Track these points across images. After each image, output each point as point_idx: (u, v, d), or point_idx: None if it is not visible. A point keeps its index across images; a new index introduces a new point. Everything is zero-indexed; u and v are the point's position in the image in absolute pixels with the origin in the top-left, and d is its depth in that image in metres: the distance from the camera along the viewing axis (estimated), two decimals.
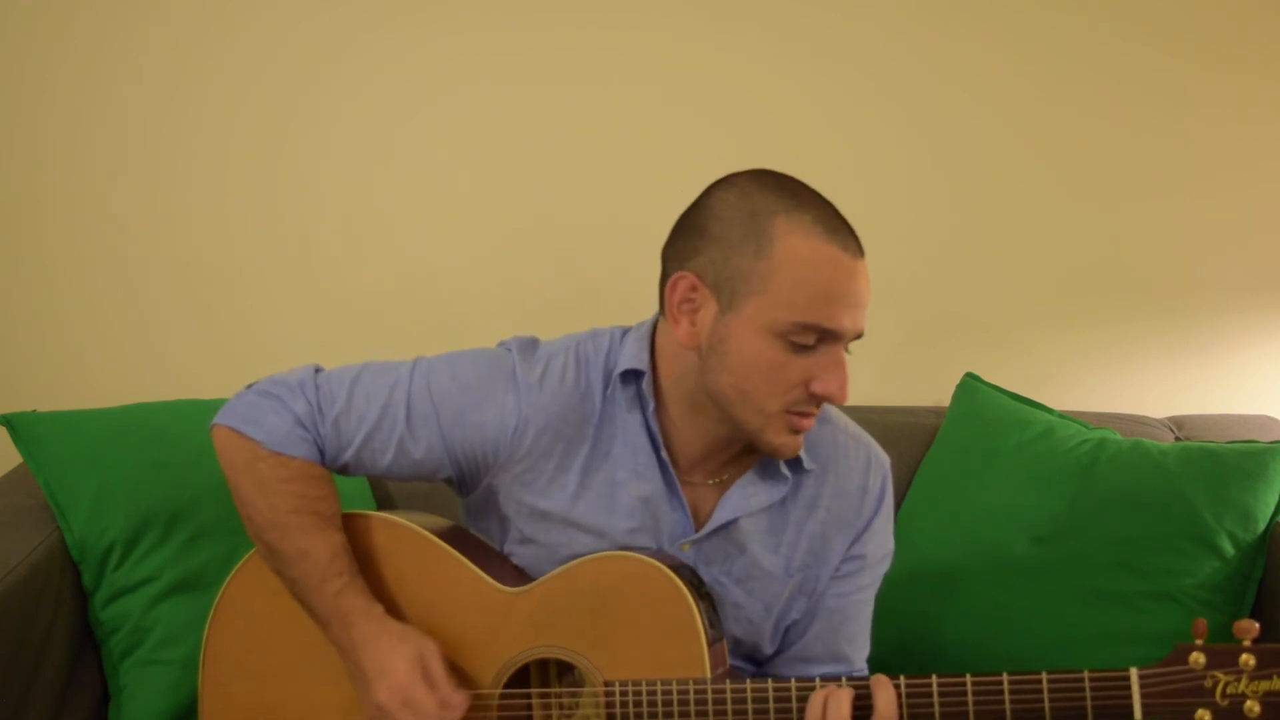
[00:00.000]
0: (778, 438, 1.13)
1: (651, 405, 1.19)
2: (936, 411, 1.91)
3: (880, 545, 1.30)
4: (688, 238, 1.14)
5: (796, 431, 1.14)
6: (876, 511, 1.28)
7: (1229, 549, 1.53)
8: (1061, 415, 1.77)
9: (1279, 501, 1.55)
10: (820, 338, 1.09)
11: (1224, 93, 1.96)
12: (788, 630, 1.29)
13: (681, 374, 1.18)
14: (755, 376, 1.11)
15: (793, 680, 1.10)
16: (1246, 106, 1.97)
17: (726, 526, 1.22)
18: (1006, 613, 1.63)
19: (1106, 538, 1.59)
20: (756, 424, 1.13)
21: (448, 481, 1.26)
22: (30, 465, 1.57)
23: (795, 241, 1.08)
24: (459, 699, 1.14)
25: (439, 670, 1.15)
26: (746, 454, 1.23)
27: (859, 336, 1.12)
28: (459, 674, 1.18)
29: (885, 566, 1.32)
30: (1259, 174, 1.98)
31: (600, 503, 1.20)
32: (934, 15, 1.95)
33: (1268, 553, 1.54)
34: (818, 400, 1.12)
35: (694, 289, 1.12)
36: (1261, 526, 1.54)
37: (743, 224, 1.10)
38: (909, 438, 1.84)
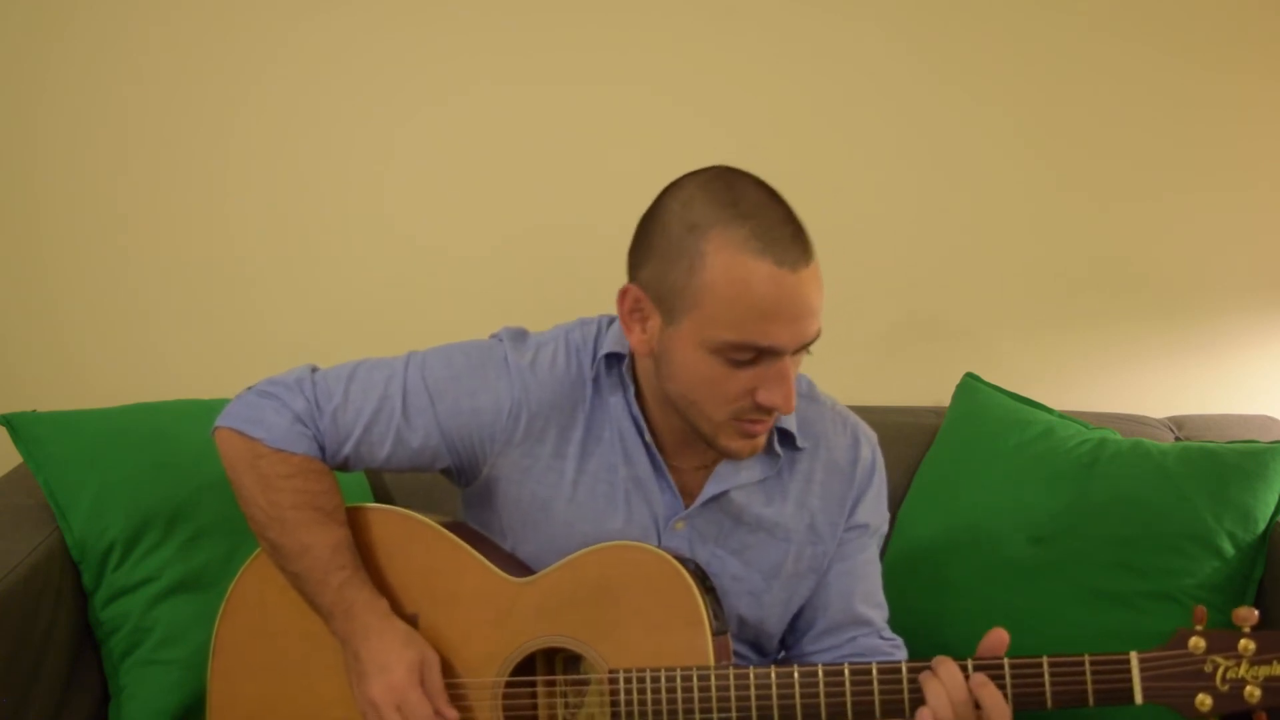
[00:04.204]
0: (731, 442, 1.14)
1: (632, 389, 1.21)
2: (936, 411, 1.91)
3: (879, 513, 1.32)
4: (639, 246, 1.14)
5: (750, 436, 1.14)
6: (870, 481, 1.30)
7: (1229, 549, 1.53)
8: (1061, 415, 1.77)
9: (1279, 501, 1.55)
10: (758, 354, 1.08)
11: (1224, 92, 1.96)
12: (803, 611, 1.30)
13: (646, 372, 1.20)
14: (700, 388, 1.11)
15: (795, 666, 1.10)
16: (1246, 106, 1.97)
17: (718, 499, 1.23)
18: (1006, 613, 1.63)
19: (1106, 538, 1.59)
20: (708, 430, 1.14)
21: (445, 472, 1.27)
22: (30, 465, 1.57)
23: (726, 259, 1.06)
24: (451, 714, 1.15)
25: (437, 681, 1.16)
26: None
27: (807, 345, 1.10)
28: (466, 664, 1.20)
29: (884, 534, 1.34)
30: (1259, 174, 1.98)
31: (598, 488, 1.22)
32: (934, 15, 1.95)
33: (1268, 553, 1.54)
34: (765, 410, 1.12)
35: (639, 301, 1.13)
36: (1261, 526, 1.54)
37: (679, 238, 1.08)
38: (909, 438, 1.84)
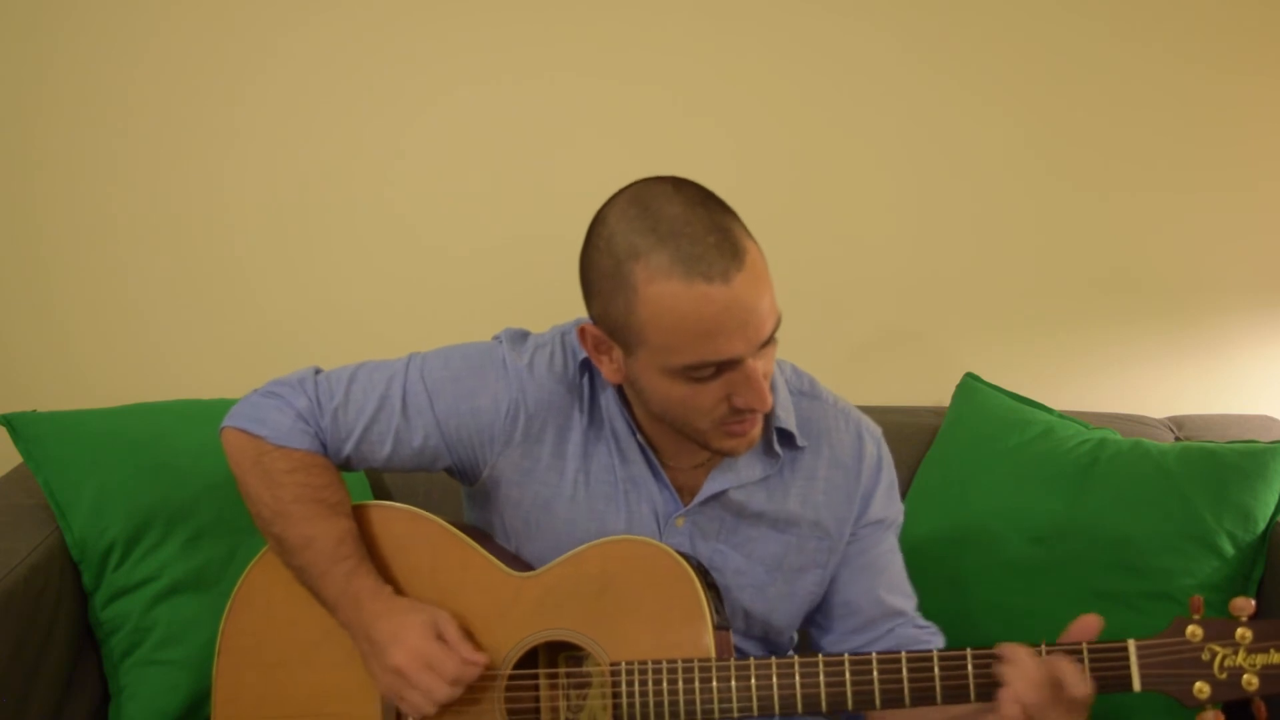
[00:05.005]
0: (724, 443, 1.15)
1: (612, 391, 1.22)
2: (936, 411, 1.91)
3: (893, 506, 1.32)
4: (583, 283, 1.14)
5: (740, 435, 1.14)
6: (878, 477, 1.30)
7: (1229, 549, 1.53)
8: (1061, 415, 1.77)
9: (1279, 501, 1.55)
10: (718, 368, 1.08)
11: (1225, 92, 1.96)
12: (829, 606, 1.30)
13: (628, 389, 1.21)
14: (675, 407, 1.12)
15: (795, 658, 1.11)
16: (1247, 105, 1.97)
17: (718, 497, 1.24)
18: (1006, 613, 1.63)
19: (1106, 538, 1.59)
20: (698, 438, 1.15)
21: (449, 471, 1.28)
22: (30, 465, 1.57)
23: (656, 290, 1.04)
24: (480, 657, 1.15)
25: (454, 632, 1.16)
26: None
27: (765, 341, 1.08)
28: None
29: (900, 524, 1.34)
30: (1260, 173, 1.98)
31: (599, 488, 1.23)
32: (935, 14, 1.95)
33: (1268, 553, 1.54)
34: (744, 411, 1.12)
35: (598, 338, 1.14)
36: (1261, 526, 1.54)
37: (611, 276, 1.07)
38: (909, 438, 1.84)
